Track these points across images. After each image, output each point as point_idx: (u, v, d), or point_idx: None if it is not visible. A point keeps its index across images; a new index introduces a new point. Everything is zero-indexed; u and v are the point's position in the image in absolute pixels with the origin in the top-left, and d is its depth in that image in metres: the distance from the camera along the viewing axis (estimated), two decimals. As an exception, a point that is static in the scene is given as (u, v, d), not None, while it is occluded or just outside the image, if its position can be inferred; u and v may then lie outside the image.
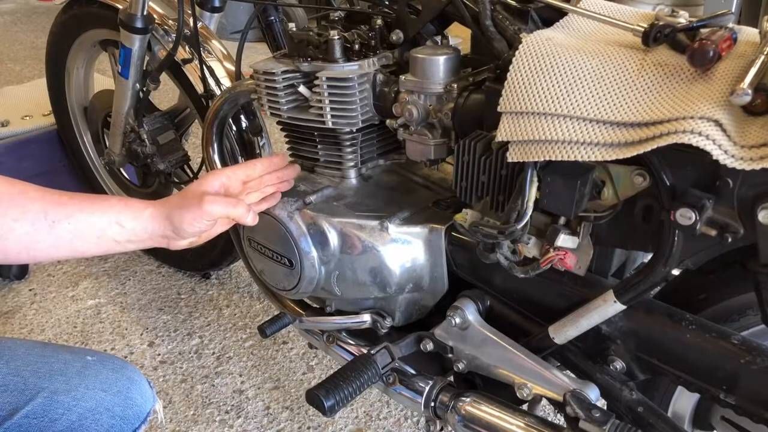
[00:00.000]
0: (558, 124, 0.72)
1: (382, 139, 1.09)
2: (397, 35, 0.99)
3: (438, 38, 1.00)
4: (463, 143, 0.84)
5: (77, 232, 0.77)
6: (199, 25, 1.50)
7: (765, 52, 0.67)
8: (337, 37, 0.97)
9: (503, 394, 0.96)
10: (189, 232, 0.84)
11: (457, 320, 0.96)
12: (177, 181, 1.80)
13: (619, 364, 0.88)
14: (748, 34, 0.76)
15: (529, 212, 0.78)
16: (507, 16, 0.87)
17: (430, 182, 1.10)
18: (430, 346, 1.01)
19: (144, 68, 1.60)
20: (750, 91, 0.62)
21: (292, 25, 1.06)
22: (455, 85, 0.89)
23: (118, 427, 0.82)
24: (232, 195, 0.92)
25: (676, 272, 0.79)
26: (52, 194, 0.77)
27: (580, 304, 0.85)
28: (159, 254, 2.02)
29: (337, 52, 0.98)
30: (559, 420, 1.19)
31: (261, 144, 1.48)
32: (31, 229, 0.73)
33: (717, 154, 0.62)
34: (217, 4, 1.58)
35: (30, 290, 1.91)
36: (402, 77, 0.94)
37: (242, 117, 1.44)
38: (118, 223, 0.80)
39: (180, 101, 1.78)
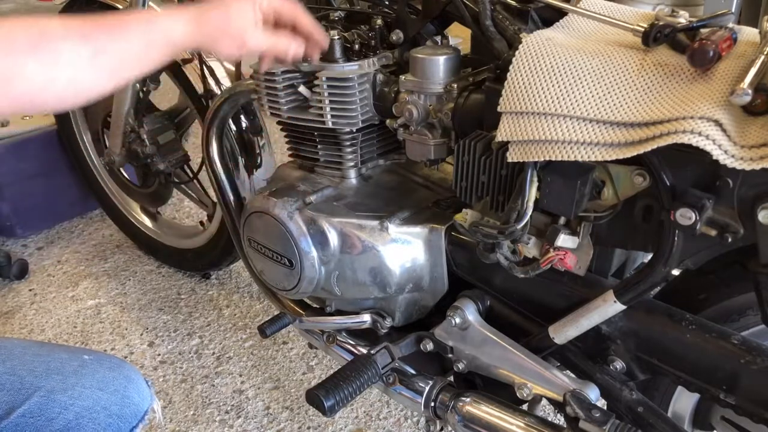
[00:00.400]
0: (558, 124, 0.72)
1: (382, 139, 1.09)
2: (397, 35, 0.99)
3: (438, 38, 1.00)
4: (463, 143, 0.84)
5: (114, 62, 0.74)
6: (200, 24, 1.50)
7: (765, 52, 0.67)
8: (337, 37, 0.97)
9: (503, 394, 0.96)
10: (222, 55, 0.87)
11: (457, 320, 0.96)
12: (177, 181, 1.80)
13: (619, 364, 0.88)
14: (748, 34, 0.76)
15: (529, 212, 0.78)
16: (507, 16, 0.87)
17: (430, 182, 1.10)
18: (430, 346, 1.01)
19: (144, 68, 1.60)
20: (750, 91, 0.62)
21: (292, 25, 1.06)
22: (455, 85, 0.89)
23: (115, 426, 0.82)
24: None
25: (676, 272, 0.79)
26: (75, 29, 0.72)
27: (580, 304, 0.85)
28: (159, 254, 2.01)
29: (337, 52, 0.98)
30: (559, 420, 1.19)
31: (261, 144, 1.48)
32: (72, 70, 0.70)
33: (717, 154, 0.62)
34: (217, 4, 1.57)
35: (30, 290, 1.91)
36: (402, 77, 0.94)
37: (242, 117, 1.44)
38: (151, 44, 0.78)
39: (180, 101, 1.78)
